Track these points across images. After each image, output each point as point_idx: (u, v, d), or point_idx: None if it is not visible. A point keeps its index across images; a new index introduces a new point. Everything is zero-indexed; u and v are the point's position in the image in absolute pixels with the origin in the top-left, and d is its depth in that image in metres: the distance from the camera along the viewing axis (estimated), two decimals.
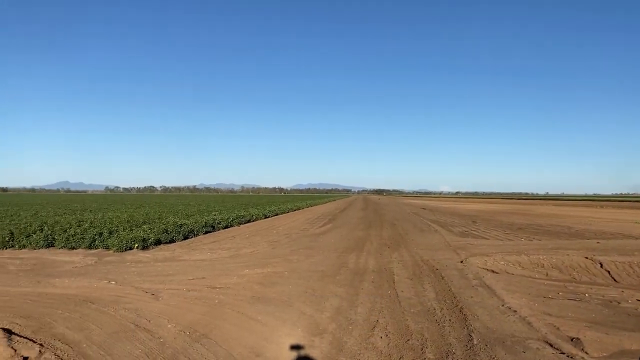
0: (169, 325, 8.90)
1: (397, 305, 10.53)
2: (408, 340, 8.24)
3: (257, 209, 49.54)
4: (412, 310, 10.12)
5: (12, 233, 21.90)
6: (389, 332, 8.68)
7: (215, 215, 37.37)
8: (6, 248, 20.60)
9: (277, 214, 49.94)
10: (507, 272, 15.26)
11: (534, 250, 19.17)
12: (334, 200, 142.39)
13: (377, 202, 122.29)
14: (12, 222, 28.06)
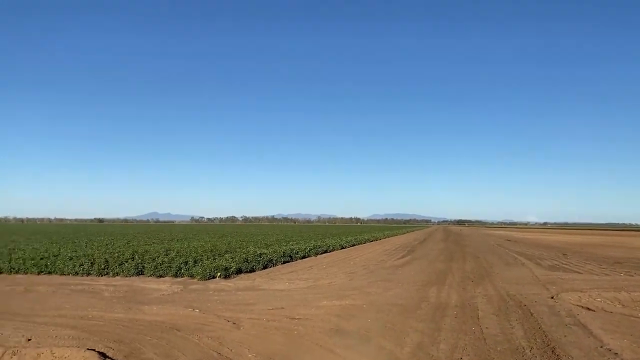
0: (250, 355, 9.05)
1: (482, 343, 10.00)
2: None
3: (334, 240, 49.71)
4: (498, 349, 9.56)
5: (107, 261, 23.47)
6: None
7: (292, 245, 37.94)
8: (102, 275, 22.08)
9: (353, 245, 49.75)
10: (605, 310, 14.04)
11: (636, 286, 17.56)
12: (412, 231, 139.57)
13: (459, 233, 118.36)
14: (107, 251, 30.12)
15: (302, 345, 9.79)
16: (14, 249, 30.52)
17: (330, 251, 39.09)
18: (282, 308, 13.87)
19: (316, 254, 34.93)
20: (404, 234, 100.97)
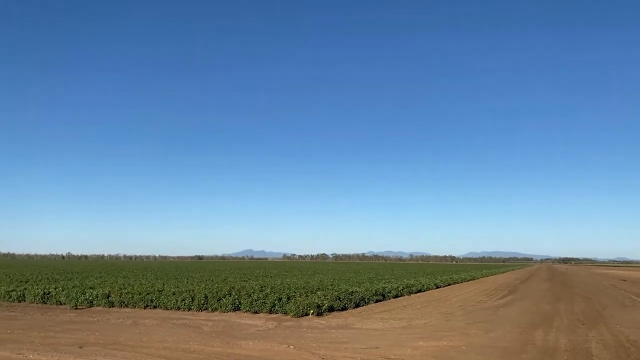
0: None
1: None
2: None
3: (428, 278, 48.08)
4: None
5: (206, 297, 24.44)
6: None
7: (384, 283, 37.20)
8: (201, 310, 23.02)
9: (449, 284, 47.74)
10: None
11: None
12: (513, 270, 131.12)
13: (564, 272, 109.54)
14: (207, 287, 31.40)
15: None
16: (124, 285, 32.83)
17: (424, 290, 37.81)
18: (377, 347, 13.51)
19: (409, 293, 33.93)
20: (503, 273, 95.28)
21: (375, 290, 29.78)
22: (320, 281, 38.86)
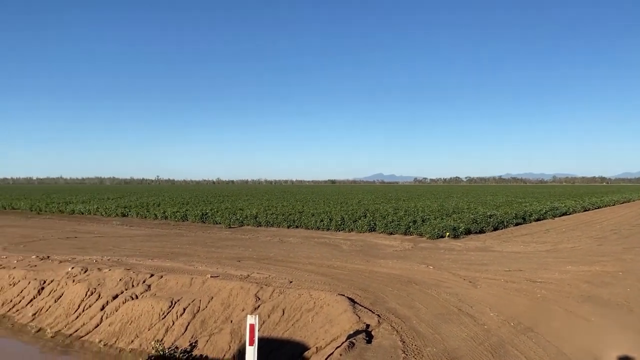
0: (491, 314, 8.86)
1: None
2: None
3: (574, 201, 44.66)
4: None
5: (343, 218, 25.56)
6: None
7: (525, 206, 35.44)
8: (339, 230, 24.19)
9: (599, 207, 43.95)
10: None
11: None
12: None
13: None
14: (342, 209, 32.78)
15: (549, 309, 9.14)
16: (268, 207, 35.65)
17: (569, 213, 35.31)
18: (520, 270, 13.14)
19: (553, 216, 31.96)
20: None
21: (515, 214, 28.55)
22: (455, 204, 38.26)
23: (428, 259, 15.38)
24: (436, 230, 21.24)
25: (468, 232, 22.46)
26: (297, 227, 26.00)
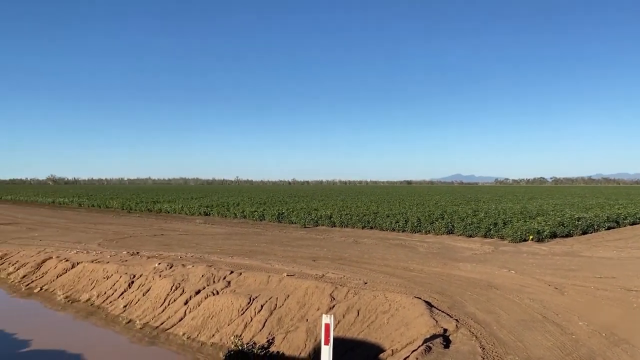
0: (580, 323, 8.31)
1: None
2: None
3: None
4: None
5: (419, 220, 25.07)
6: None
7: (618, 209, 32.88)
8: (415, 232, 23.77)
9: None
10: None
11: None
12: None
13: None
14: (418, 210, 32.17)
15: None
16: (342, 207, 35.79)
17: None
18: (613, 277, 12.22)
19: None
20: None
21: (607, 216, 26.56)
22: (539, 206, 36.31)
23: (510, 263, 14.71)
24: (519, 233, 20.28)
25: (553, 235, 21.24)
26: (371, 228, 25.87)
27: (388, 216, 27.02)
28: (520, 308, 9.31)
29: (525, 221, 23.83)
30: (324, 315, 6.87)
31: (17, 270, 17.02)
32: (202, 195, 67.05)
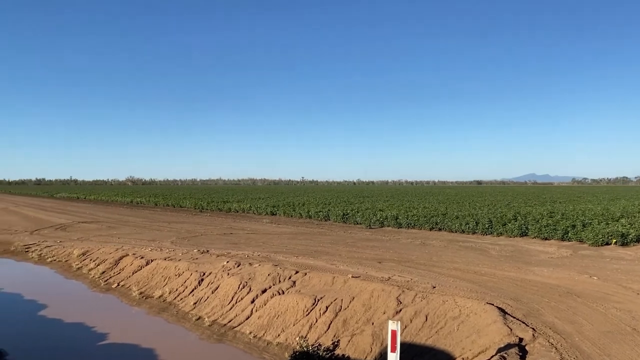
0: None
1: None
2: None
3: None
4: None
5: (490, 221, 24.07)
6: None
7: None
8: (485, 234, 22.82)
9: None
10: None
11: None
12: None
13: None
14: (490, 211, 30.94)
15: None
16: (409, 208, 35.11)
17: None
18: None
19: None
20: None
21: None
22: (623, 207, 33.83)
23: (591, 269, 13.72)
24: (600, 237, 18.93)
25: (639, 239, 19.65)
26: (439, 229, 25.15)
27: (457, 217, 26.17)
28: (606, 318, 8.58)
29: (607, 223, 22.24)
30: (390, 321, 6.65)
31: (97, 266, 18.07)
32: (268, 196, 68.37)
